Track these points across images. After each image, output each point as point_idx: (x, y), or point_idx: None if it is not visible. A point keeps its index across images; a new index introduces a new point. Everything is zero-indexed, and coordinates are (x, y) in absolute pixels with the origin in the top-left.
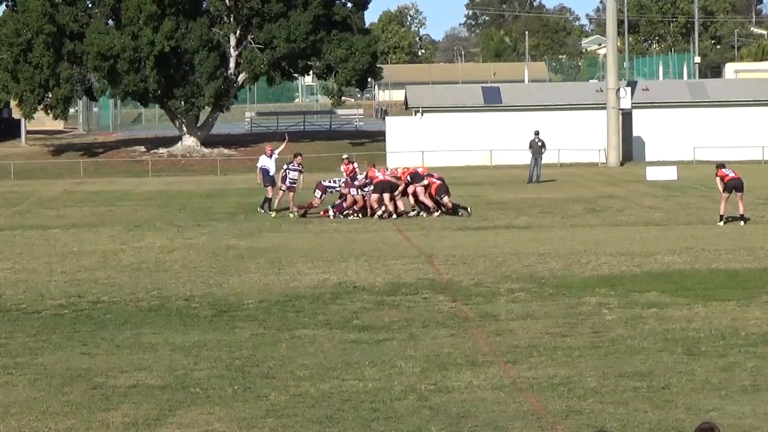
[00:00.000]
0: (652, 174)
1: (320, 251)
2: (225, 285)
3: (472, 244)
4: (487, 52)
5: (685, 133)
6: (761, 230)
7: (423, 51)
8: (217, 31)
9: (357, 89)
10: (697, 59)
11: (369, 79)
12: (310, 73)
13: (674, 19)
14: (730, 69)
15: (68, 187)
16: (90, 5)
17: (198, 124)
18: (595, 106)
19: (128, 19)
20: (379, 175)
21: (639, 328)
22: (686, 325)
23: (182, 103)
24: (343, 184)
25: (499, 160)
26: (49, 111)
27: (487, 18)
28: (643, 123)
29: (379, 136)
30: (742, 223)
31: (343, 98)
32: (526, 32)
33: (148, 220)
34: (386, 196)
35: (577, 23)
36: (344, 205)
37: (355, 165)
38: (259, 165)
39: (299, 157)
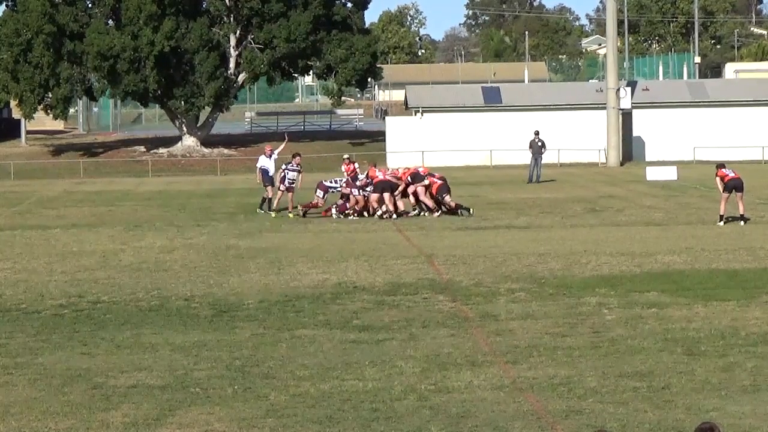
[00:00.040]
0: (652, 174)
1: (320, 251)
2: (225, 285)
3: (472, 244)
4: (487, 52)
5: (685, 133)
6: (761, 230)
7: (423, 51)
8: (217, 31)
9: (357, 89)
10: (697, 59)
11: (369, 79)
12: (310, 73)
13: (674, 19)
14: (730, 69)
15: (68, 187)
16: (90, 5)
17: (198, 124)
18: (595, 106)
19: (128, 19)
20: (379, 175)
21: (639, 328)
22: (686, 325)
23: (182, 103)
24: (344, 184)
25: (499, 160)
26: (49, 111)
27: (487, 18)
28: (643, 123)
29: (379, 136)
30: (742, 223)
31: (343, 98)
32: (526, 32)
33: (148, 220)
34: (386, 195)
35: (577, 23)
36: (347, 205)
37: (356, 165)
38: (258, 165)
39: (298, 158)
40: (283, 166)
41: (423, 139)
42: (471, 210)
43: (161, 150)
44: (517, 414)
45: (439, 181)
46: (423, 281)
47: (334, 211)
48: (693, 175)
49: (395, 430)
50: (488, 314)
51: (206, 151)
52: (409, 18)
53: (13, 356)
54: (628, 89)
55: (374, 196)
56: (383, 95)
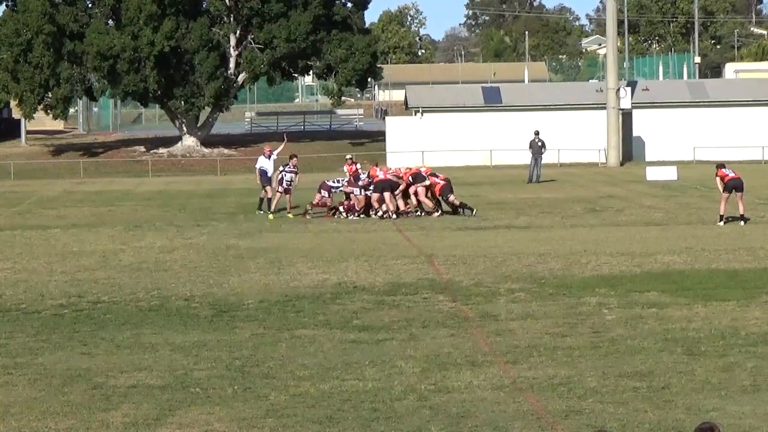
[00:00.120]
0: (652, 174)
1: (320, 251)
2: (225, 285)
3: (472, 244)
4: (487, 52)
5: (685, 133)
6: (761, 230)
7: (423, 51)
8: (217, 31)
9: (357, 89)
10: (697, 59)
11: (369, 79)
12: (310, 73)
13: (674, 19)
14: (730, 69)
15: (68, 187)
16: (90, 5)
17: (198, 124)
18: (595, 106)
19: (128, 19)
20: (380, 174)
21: (639, 328)
22: (686, 325)
23: (182, 103)
24: (346, 183)
25: (499, 160)
26: (49, 111)
27: (487, 18)
28: (643, 123)
29: (379, 136)
30: (742, 223)
31: (343, 98)
32: (526, 32)
33: (148, 220)
34: (387, 195)
35: (577, 23)
36: (353, 204)
37: (358, 166)
38: (257, 166)
39: (294, 159)
40: (281, 168)
41: (423, 139)
42: (474, 210)
43: (161, 150)
44: (517, 414)
45: (442, 182)
46: (423, 281)
47: (341, 209)
48: (693, 175)
49: (395, 430)
50: (488, 314)
51: (206, 151)
52: (409, 18)
53: (13, 356)
54: (628, 89)
55: (375, 196)
56: (383, 95)
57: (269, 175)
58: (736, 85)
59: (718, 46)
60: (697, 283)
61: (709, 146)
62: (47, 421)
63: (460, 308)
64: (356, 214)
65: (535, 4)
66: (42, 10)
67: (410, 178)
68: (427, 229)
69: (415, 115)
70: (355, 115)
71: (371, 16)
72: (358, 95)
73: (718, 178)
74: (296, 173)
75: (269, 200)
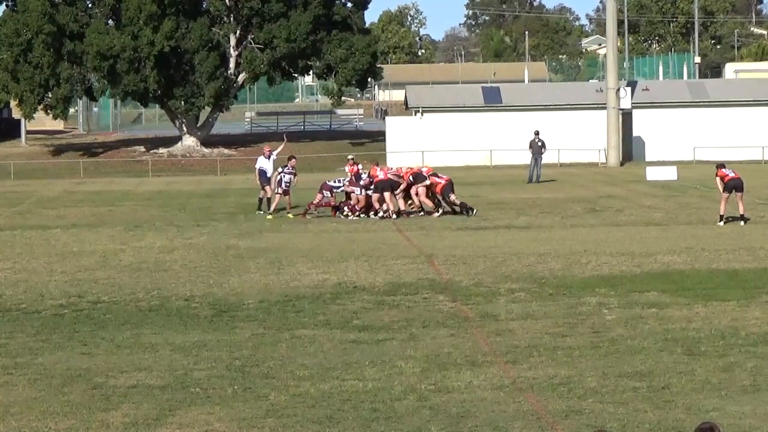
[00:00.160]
0: (652, 174)
1: (320, 251)
2: (225, 285)
3: (472, 244)
4: (487, 52)
5: (685, 133)
6: (761, 230)
7: (423, 51)
8: (217, 31)
9: (357, 89)
10: (697, 59)
11: (369, 79)
12: (310, 73)
13: (674, 19)
14: (730, 69)
15: (68, 187)
16: (90, 5)
17: (198, 124)
18: (595, 106)
19: (128, 19)
20: (380, 174)
21: (639, 328)
22: (686, 325)
23: (182, 103)
24: (347, 183)
25: (499, 160)
26: (49, 111)
27: (487, 18)
28: (643, 123)
29: (379, 136)
30: (742, 223)
31: (343, 98)
32: (526, 32)
33: (148, 220)
34: (387, 194)
35: (577, 23)
36: (353, 204)
37: (360, 166)
38: (257, 166)
39: (293, 160)
40: (280, 170)
41: (423, 139)
42: (474, 210)
43: (161, 150)
44: (517, 414)
45: (442, 181)
46: (423, 281)
47: (346, 209)
48: (693, 175)
49: (395, 430)
50: (488, 314)
51: (206, 151)
52: (409, 18)
53: (13, 356)
54: (628, 89)
55: (375, 196)
56: (383, 95)
57: (268, 175)
58: (736, 85)
59: (718, 46)
60: (697, 283)
61: (709, 146)
62: (47, 421)
63: (460, 308)
64: (356, 214)
65: (535, 4)
66: (42, 10)
67: (411, 178)
68: (427, 229)
69: (415, 115)
70: (355, 115)
71: (371, 16)
72: (358, 95)
73: (718, 178)
74: (294, 174)
75: (269, 200)
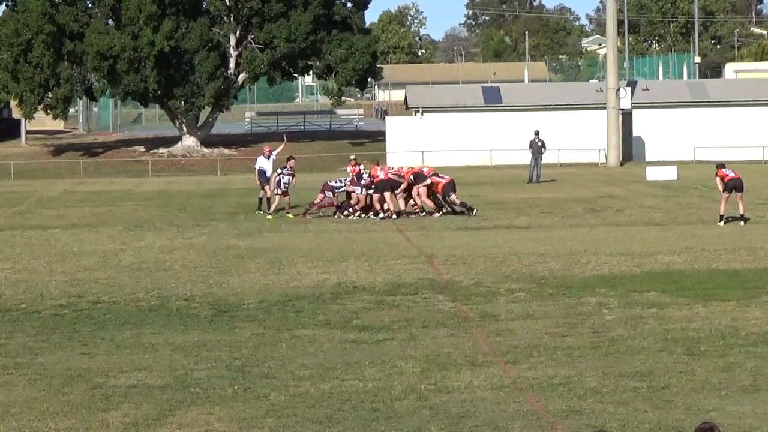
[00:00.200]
0: (652, 174)
1: (320, 251)
2: (225, 285)
3: (472, 244)
4: (487, 52)
5: (685, 133)
6: (761, 230)
7: (423, 51)
8: (217, 31)
9: (357, 89)
10: (697, 59)
11: (369, 79)
12: (310, 73)
13: (674, 19)
14: (730, 69)
15: (68, 187)
16: (90, 5)
17: (198, 124)
18: (595, 106)
19: (128, 19)
20: (380, 174)
21: (639, 328)
22: (686, 325)
23: (182, 103)
24: (348, 183)
25: (499, 160)
26: (49, 111)
27: (487, 18)
28: (643, 123)
29: (379, 136)
30: (742, 223)
31: (343, 98)
32: (526, 32)
33: (148, 220)
34: (387, 194)
35: (577, 23)
36: (355, 206)
37: (362, 167)
38: (256, 166)
39: (292, 161)
40: (279, 171)
41: (423, 139)
42: (475, 210)
43: (161, 150)
44: (517, 414)
45: (443, 181)
46: (423, 281)
47: (349, 210)
48: (693, 175)
49: (395, 430)
50: (488, 314)
51: (206, 151)
52: (409, 18)
53: (13, 356)
54: (628, 89)
55: (375, 196)
56: (383, 95)
57: (268, 175)
58: (736, 85)
59: (718, 46)
60: (697, 283)
61: (709, 146)
62: (47, 421)
63: (460, 308)
64: (357, 214)
65: (535, 4)
66: (42, 10)
67: (412, 178)
68: (427, 229)
69: (415, 115)
70: (355, 115)
71: (371, 16)
72: (358, 95)
73: (718, 178)
74: (293, 175)
75: (268, 200)
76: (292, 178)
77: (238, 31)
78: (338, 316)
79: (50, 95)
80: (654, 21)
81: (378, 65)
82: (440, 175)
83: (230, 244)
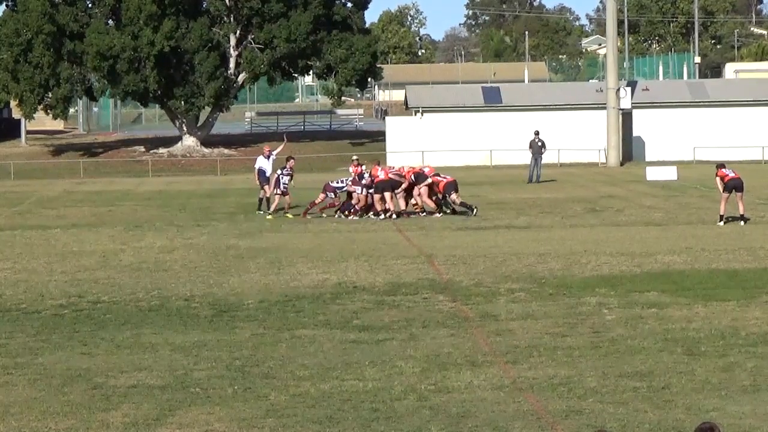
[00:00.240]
0: (652, 174)
1: (320, 251)
2: (225, 285)
3: (472, 244)
4: (487, 52)
5: (685, 133)
6: (761, 230)
7: (423, 51)
8: (217, 31)
9: (357, 89)
10: (697, 59)
11: (369, 79)
12: (310, 73)
13: (674, 19)
14: (730, 69)
15: (68, 187)
16: (90, 5)
17: (198, 124)
18: (595, 106)
19: (128, 19)
20: (380, 174)
21: (639, 328)
22: (686, 325)
23: (182, 103)
24: (350, 183)
25: (499, 160)
26: (49, 111)
27: (487, 18)
28: (643, 123)
29: (379, 136)
30: (742, 223)
31: (343, 98)
32: (526, 32)
33: (148, 220)
34: (387, 195)
35: (577, 23)
36: (356, 206)
37: (364, 167)
38: (256, 166)
39: (291, 161)
40: (278, 171)
41: (423, 139)
42: (475, 210)
43: (161, 150)
44: (517, 414)
45: (444, 180)
46: (423, 281)
47: (350, 210)
48: (693, 175)
49: (395, 430)
50: (488, 314)
51: (206, 151)
52: (409, 18)
53: (13, 356)
54: (628, 89)
55: (376, 197)
56: (383, 95)
57: (267, 175)
58: (736, 85)
59: (718, 46)
60: (697, 283)
61: (709, 146)
62: (47, 421)
63: (460, 308)
64: (357, 214)
65: (535, 4)
66: (42, 10)
67: (413, 177)
68: (427, 229)
69: (415, 115)
70: (355, 115)
71: (371, 16)
72: (358, 95)
73: (718, 178)
74: (291, 176)
75: (268, 200)
76: (291, 179)
77: (238, 31)
78: (338, 316)
79: (50, 95)
80: (654, 21)
81: (378, 65)
82: (441, 175)
83: (230, 244)
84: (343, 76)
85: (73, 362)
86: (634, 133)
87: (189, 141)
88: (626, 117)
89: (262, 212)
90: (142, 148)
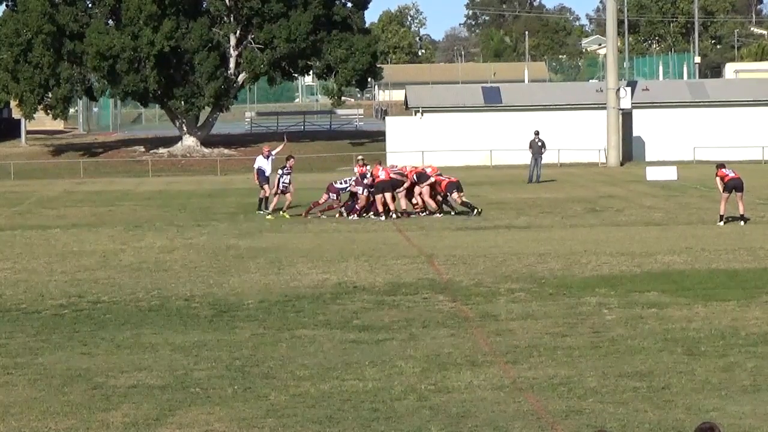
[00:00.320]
0: (652, 174)
1: (320, 251)
2: (225, 285)
3: (472, 244)
4: (487, 52)
5: (685, 133)
6: (761, 230)
7: (423, 51)
8: (217, 31)
9: (357, 89)
10: (697, 59)
11: (369, 79)
12: (310, 73)
13: (674, 19)
14: (730, 69)
15: (68, 187)
16: (90, 5)
17: (198, 124)
18: (595, 106)
19: (128, 19)
20: (381, 174)
21: (639, 328)
22: (686, 325)
23: (182, 103)
24: (353, 183)
25: (499, 160)
26: (49, 111)
27: (487, 18)
28: (643, 123)
29: (379, 136)
30: (742, 223)
31: (343, 98)
32: (526, 32)
33: (148, 220)
34: (387, 195)
35: (577, 23)
36: (356, 206)
37: (368, 167)
38: (255, 166)
39: (291, 160)
40: (279, 171)
41: (423, 139)
42: (476, 210)
43: (161, 150)
44: (517, 414)
45: (446, 180)
46: (423, 281)
47: (345, 213)
48: (693, 175)
49: (395, 430)
50: (488, 314)
51: (206, 151)
52: (409, 18)
53: (13, 356)
54: (628, 89)
55: (377, 197)
56: (383, 95)
57: (267, 175)
58: (736, 85)
59: (718, 46)
60: (697, 283)
61: (709, 146)
62: (47, 421)
63: (460, 308)
64: (357, 214)
65: (535, 4)
66: (42, 10)
67: (415, 177)
68: (427, 229)
69: (415, 115)
70: (355, 115)
71: (371, 16)
72: (358, 95)
73: (718, 178)
74: (289, 174)
75: (267, 199)
76: (290, 178)
77: (238, 31)
78: (338, 316)
79: (50, 95)
80: (654, 21)
81: (378, 65)
82: (444, 175)
83: (230, 244)
84: (343, 76)
85: (73, 362)
86: (634, 133)
87: (189, 141)
88: (626, 117)
89: (262, 212)
90: (142, 148)
